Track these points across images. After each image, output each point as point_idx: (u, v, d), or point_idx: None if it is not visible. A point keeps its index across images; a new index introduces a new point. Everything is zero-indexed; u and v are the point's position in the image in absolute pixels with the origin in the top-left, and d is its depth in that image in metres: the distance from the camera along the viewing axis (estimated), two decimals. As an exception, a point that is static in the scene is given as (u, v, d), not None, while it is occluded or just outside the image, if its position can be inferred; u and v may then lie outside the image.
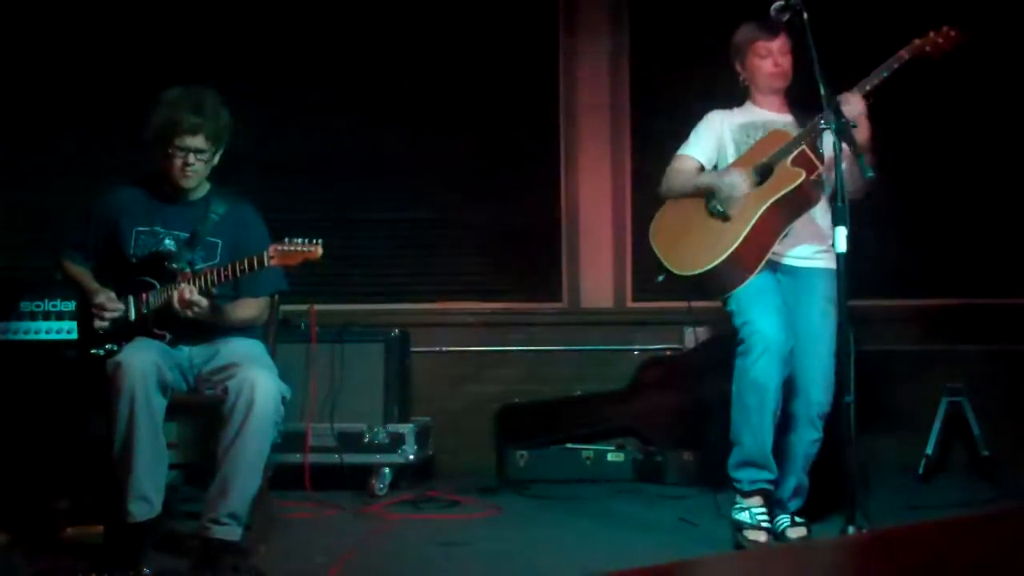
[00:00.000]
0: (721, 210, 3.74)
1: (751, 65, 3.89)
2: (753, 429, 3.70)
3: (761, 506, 3.72)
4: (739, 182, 3.73)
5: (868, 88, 3.60)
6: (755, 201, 3.70)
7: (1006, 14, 4.88)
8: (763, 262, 3.71)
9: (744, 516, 3.71)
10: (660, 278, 3.84)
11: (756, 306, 3.72)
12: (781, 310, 3.73)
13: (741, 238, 3.67)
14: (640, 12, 5.36)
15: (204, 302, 3.50)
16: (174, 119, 3.55)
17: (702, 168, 3.91)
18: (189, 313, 3.51)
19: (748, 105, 3.96)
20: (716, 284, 3.76)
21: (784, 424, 3.78)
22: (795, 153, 3.67)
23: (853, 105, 3.56)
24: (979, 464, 4.71)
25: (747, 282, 3.71)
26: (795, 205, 3.71)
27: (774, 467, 3.74)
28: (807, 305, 3.79)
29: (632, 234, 5.34)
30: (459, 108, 5.36)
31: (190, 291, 3.48)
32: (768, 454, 3.72)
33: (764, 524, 3.69)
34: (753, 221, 3.67)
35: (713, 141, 3.93)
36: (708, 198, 3.79)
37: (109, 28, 5.27)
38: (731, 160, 3.88)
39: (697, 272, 3.72)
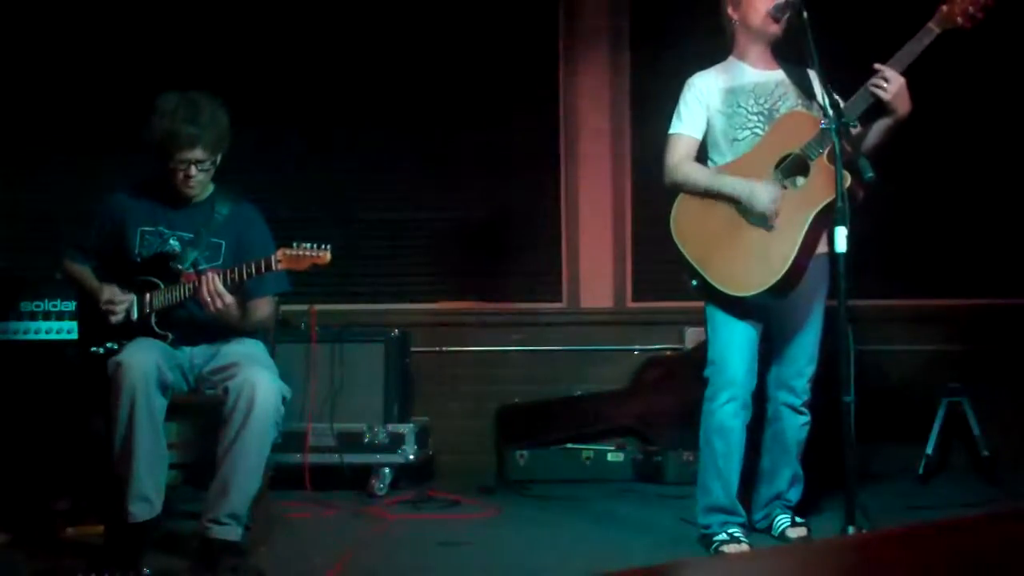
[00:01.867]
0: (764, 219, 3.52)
1: (747, 4, 3.62)
2: (721, 475, 3.67)
3: (737, 527, 3.68)
4: (772, 200, 3.46)
5: (900, 70, 3.39)
6: (799, 209, 3.47)
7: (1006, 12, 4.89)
8: (813, 257, 3.55)
9: (722, 535, 3.65)
10: (694, 283, 3.64)
11: (729, 344, 3.64)
12: (752, 345, 3.66)
13: (793, 257, 3.46)
14: (641, 11, 5.36)
15: (229, 298, 3.49)
16: (171, 133, 3.52)
17: (698, 144, 3.69)
18: (216, 304, 3.46)
19: (732, 62, 3.72)
20: (756, 301, 3.60)
21: (772, 416, 3.80)
22: (832, 146, 3.38)
23: (893, 82, 3.37)
24: (979, 464, 4.71)
25: (730, 304, 3.60)
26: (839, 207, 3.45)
27: (742, 512, 3.73)
28: (798, 295, 3.67)
29: (632, 234, 5.34)
30: (459, 108, 5.36)
31: (213, 280, 3.45)
32: (735, 500, 3.70)
33: (743, 540, 3.64)
34: (804, 233, 3.45)
35: (702, 111, 3.68)
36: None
37: (109, 29, 5.27)
38: (719, 134, 3.66)
39: (751, 295, 3.54)
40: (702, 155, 3.76)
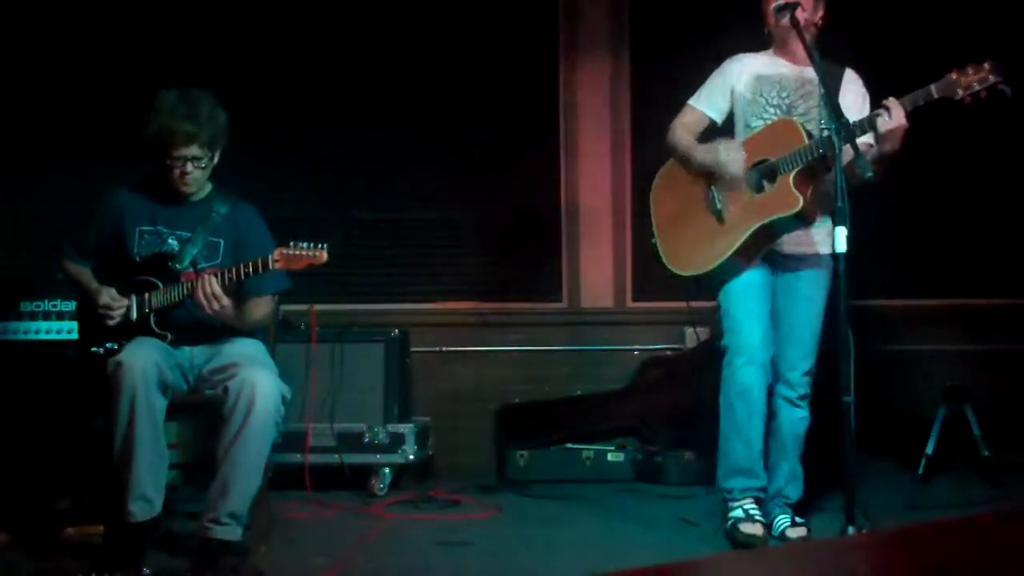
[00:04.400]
0: (719, 207, 3.72)
1: (765, 13, 3.71)
2: (743, 436, 3.73)
3: (754, 503, 3.74)
4: (736, 157, 3.64)
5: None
6: (750, 215, 3.65)
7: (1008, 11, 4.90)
8: (752, 263, 3.74)
9: (738, 512, 3.72)
10: (654, 240, 3.90)
11: (741, 311, 3.75)
12: (764, 316, 3.76)
13: (727, 256, 3.70)
14: (641, 10, 5.36)
15: (226, 300, 3.49)
16: (169, 130, 3.52)
17: (712, 123, 3.83)
18: (213, 306, 3.46)
19: (770, 53, 3.81)
20: (708, 282, 3.83)
21: (768, 411, 3.81)
22: (802, 167, 3.53)
23: (896, 117, 3.40)
24: (979, 464, 4.70)
25: (738, 279, 3.75)
26: (788, 226, 3.66)
27: (763, 475, 3.78)
28: (794, 290, 3.79)
29: (632, 234, 5.34)
30: (459, 108, 5.35)
31: (210, 282, 3.46)
32: (758, 461, 3.75)
33: (758, 518, 3.71)
34: (743, 239, 3.67)
35: (725, 92, 3.81)
36: (708, 184, 3.75)
37: (109, 28, 5.26)
38: (737, 117, 3.80)
39: (687, 274, 3.81)
40: (728, 134, 3.85)
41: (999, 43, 3.48)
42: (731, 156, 3.66)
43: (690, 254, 3.79)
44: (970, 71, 3.34)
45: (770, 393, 3.80)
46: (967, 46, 3.49)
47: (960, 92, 3.35)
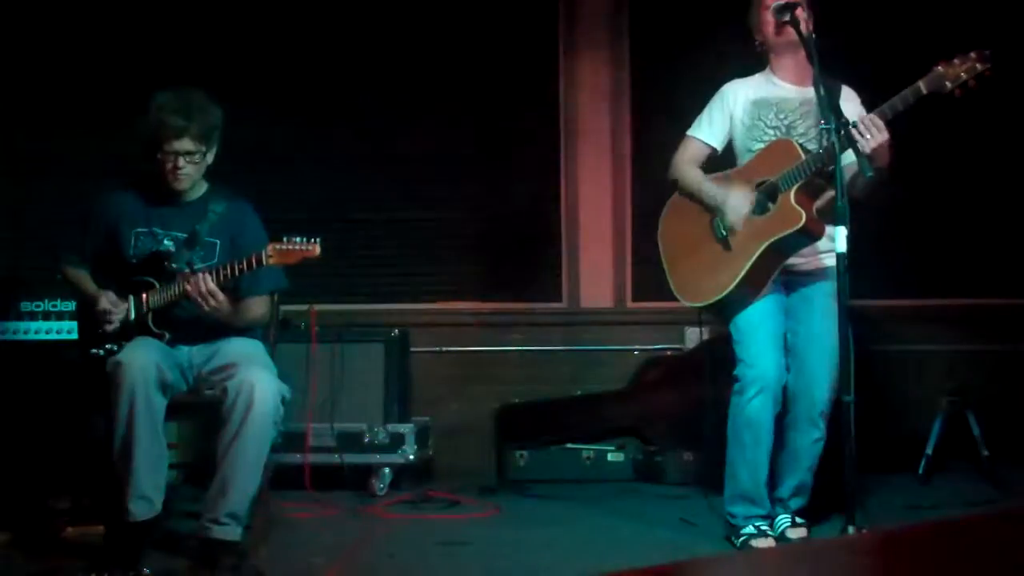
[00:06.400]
0: (724, 235, 3.70)
1: (761, 22, 3.68)
2: (749, 465, 3.72)
3: (759, 519, 3.75)
4: (741, 207, 3.64)
5: (888, 119, 3.38)
6: (755, 237, 3.62)
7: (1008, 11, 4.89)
8: (765, 288, 3.69)
9: (750, 529, 3.72)
10: (666, 277, 3.88)
11: (754, 341, 3.71)
12: (778, 343, 3.73)
13: (738, 279, 3.65)
14: (640, 10, 5.36)
15: (221, 295, 3.49)
16: (160, 123, 3.54)
17: (713, 151, 3.81)
18: (209, 303, 3.47)
19: (767, 74, 3.77)
20: (717, 310, 3.81)
21: (787, 424, 3.79)
22: (802, 182, 3.52)
23: (876, 135, 3.36)
24: (979, 464, 4.70)
25: (750, 306, 3.71)
26: (795, 244, 3.63)
27: (767, 503, 3.77)
28: (810, 305, 3.76)
29: (632, 234, 5.33)
30: (459, 107, 5.36)
31: (205, 279, 3.46)
32: (762, 490, 3.75)
33: (771, 533, 3.72)
34: (751, 263, 3.62)
35: (725, 120, 3.78)
36: (713, 213, 3.74)
37: (108, 28, 5.26)
38: (738, 143, 3.77)
39: (696, 305, 3.82)
40: (729, 161, 3.84)
41: (992, 41, 3.44)
42: (739, 204, 3.64)
43: (699, 284, 3.76)
44: (956, 62, 3.32)
45: (786, 412, 3.78)
46: (957, 45, 3.44)
47: (949, 85, 3.31)
